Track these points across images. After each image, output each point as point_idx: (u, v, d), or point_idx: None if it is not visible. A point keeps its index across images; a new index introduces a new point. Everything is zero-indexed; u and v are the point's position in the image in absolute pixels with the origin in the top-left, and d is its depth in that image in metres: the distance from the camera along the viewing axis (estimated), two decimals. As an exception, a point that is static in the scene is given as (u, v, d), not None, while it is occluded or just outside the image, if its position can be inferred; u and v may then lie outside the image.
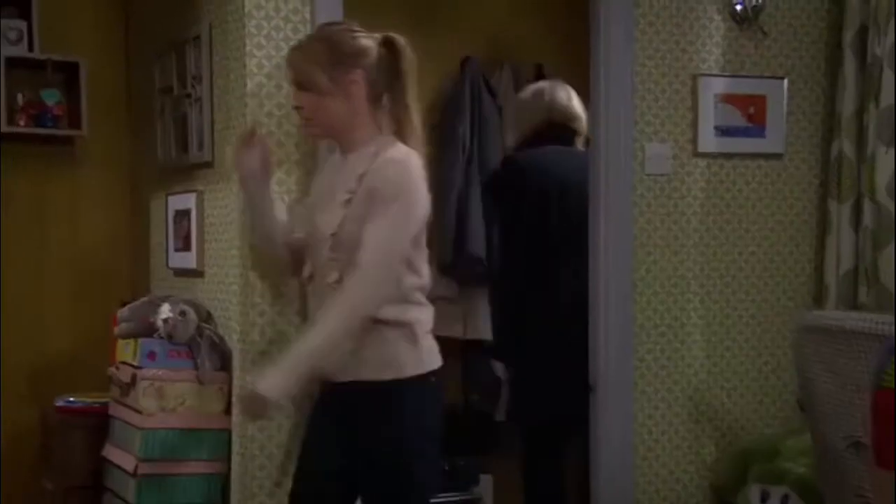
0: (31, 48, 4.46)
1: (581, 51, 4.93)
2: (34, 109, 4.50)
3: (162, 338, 3.68)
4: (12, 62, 4.41)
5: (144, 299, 3.90)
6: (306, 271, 3.01)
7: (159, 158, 4.40)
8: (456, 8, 5.17)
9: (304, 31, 3.48)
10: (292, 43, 3.25)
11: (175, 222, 4.20)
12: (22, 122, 4.47)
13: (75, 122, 4.58)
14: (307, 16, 3.49)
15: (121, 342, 3.91)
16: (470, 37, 5.14)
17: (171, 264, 4.30)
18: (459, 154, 4.99)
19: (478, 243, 4.92)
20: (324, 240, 2.85)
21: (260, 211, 3.12)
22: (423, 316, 2.88)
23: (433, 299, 4.95)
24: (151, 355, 3.67)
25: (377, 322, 2.77)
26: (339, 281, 2.79)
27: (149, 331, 3.75)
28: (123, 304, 4.76)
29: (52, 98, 4.50)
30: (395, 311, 2.80)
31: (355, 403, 2.85)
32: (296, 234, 3.06)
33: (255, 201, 3.12)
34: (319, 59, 2.84)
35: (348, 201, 2.80)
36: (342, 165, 2.93)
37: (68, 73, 4.59)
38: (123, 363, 3.83)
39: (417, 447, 2.81)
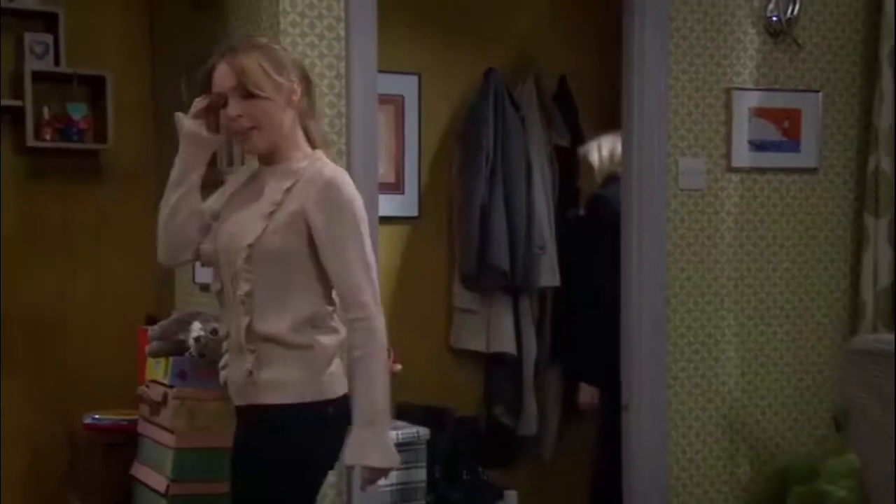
0: (56, 62, 4.43)
1: (604, 62, 4.95)
2: (60, 123, 4.47)
3: (193, 356, 3.64)
4: (38, 76, 4.38)
5: (174, 317, 3.87)
6: (215, 286, 2.88)
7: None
8: (479, 19, 5.13)
9: (339, 45, 3.44)
10: (323, 60, 3.20)
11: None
12: (48, 136, 4.44)
13: (101, 136, 4.54)
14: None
15: (150, 360, 3.87)
16: (493, 48, 5.09)
17: (197, 279, 4.26)
18: (483, 164, 4.94)
19: (501, 254, 4.87)
20: (238, 251, 2.68)
21: (191, 182, 2.84)
22: (330, 341, 2.69)
23: (459, 311, 5.01)
24: (182, 374, 3.63)
25: (278, 344, 2.64)
26: (250, 294, 2.65)
27: (179, 349, 3.71)
28: (149, 320, 4.76)
29: (78, 112, 4.47)
30: (300, 336, 2.64)
31: (248, 428, 2.70)
32: (203, 246, 2.87)
33: (192, 167, 2.83)
34: (264, 64, 2.66)
35: (271, 213, 2.65)
36: (259, 176, 2.76)
37: (94, 87, 4.56)
38: (153, 382, 3.80)
39: (289, 471, 2.62)
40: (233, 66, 2.68)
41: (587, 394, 4.44)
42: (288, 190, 2.66)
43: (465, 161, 4.93)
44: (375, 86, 3.57)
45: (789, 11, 4.07)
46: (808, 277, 4.17)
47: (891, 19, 4.03)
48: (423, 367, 4.51)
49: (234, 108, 2.67)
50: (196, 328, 3.69)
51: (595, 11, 4.91)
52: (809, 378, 4.15)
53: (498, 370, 5.02)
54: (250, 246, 2.64)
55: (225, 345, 2.80)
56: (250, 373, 2.63)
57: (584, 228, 4.67)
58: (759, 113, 4.05)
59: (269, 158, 2.73)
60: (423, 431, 4.32)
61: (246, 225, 2.69)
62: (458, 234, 4.95)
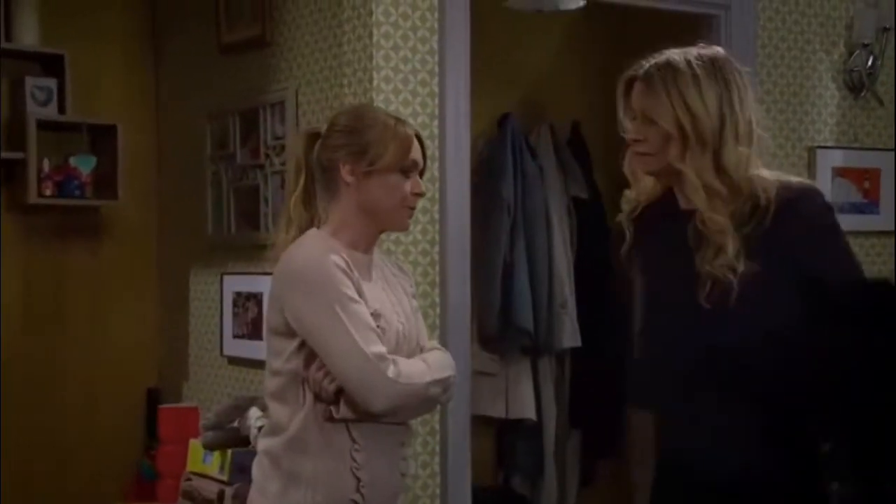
0: (61, 109, 3.95)
1: (616, 112, 4.68)
2: (60, 176, 3.98)
3: (254, 448, 3.20)
4: (42, 125, 3.89)
5: (230, 402, 3.41)
6: None
7: (209, 234, 3.93)
8: (490, 64, 4.82)
9: (432, 102, 3.09)
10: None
11: (236, 306, 3.75)
12: (48, 192, 3.95)
13: (104, 191, 4.07)
14: (435, 88, 3.11)
15: (194, 448, 3.43)
16: (506, 94, 4.79)
17: (226, 352, 3.84)
18: (504, 217, 4.60)
19: (525, 314, 4.55)
20: (413, 351, 2.42)
21: None
22: None
23: (476, 374, 4.66)
24: (243, 469, 3.19)
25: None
26: None
27: (236, 440, 3.28)
28: (149, 393, 4.29)
29: (87, 165, 3.99)
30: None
31: None
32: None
33: None
34: None
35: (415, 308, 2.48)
36: (374, 264, 2.43)
37: (95, 137, 4.09)
38: (201, 475, 3.35)
39: None
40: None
41: None
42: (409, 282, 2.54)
43: (483, 215, 4.60)
44: (468, 147, 3.22)
45: (869, 64, 3.87)
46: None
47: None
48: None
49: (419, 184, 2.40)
50: (255, 415, 3.26)
51: (605, 53, 4.66)
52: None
53: (516, 438, 4.69)
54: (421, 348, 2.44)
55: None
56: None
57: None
58: (842, 173, 3.83)
59: (368, 244, 2.42)
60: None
61: (410, 324, 2.44)
62: (476, 292, 4.60)
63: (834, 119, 3.86)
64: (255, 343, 3.62)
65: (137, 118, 4.25)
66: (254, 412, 3.29)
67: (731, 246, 2.18)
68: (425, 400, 2.34)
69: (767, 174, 2.25)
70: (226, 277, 3.82)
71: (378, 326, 2.28)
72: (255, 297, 3.63)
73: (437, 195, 3.14)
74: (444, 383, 2.36)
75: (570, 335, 4.48)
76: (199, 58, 4.00)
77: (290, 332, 2.28)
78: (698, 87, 2.20)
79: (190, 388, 4.11)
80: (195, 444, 3.49)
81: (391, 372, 2.24)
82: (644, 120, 2.26)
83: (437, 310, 3.15)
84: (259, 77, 3.64)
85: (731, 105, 2.21)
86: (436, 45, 3.14)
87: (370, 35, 3.09)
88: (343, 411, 2.27)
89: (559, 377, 4.63)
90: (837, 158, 3.84)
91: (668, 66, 2.22)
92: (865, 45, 3.87)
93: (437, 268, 3.14)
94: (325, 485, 2.27)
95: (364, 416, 2.27)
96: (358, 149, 2.31)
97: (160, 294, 4.31)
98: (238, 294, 3.74)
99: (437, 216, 3.13)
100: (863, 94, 3.89)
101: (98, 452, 4.18)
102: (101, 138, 4.08)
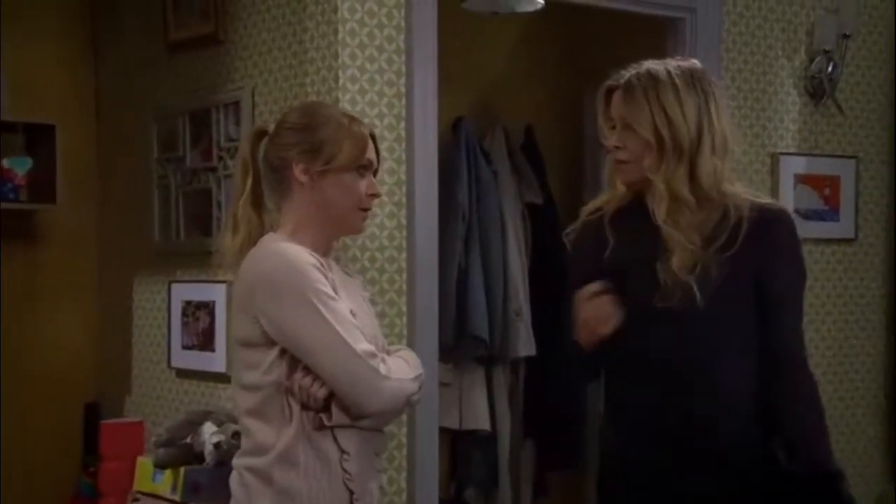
0: (-5, 109, 3.75)
1: (571, 113, 4.63)
2: (-9, 179, 3.78)
3: (210, 466, 3.06)
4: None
5: (182, 418, 3.25)
6: None
7: (156, 240, 3.76)
8: (443, 66, 4.71)
9: (399, 103, 2.98)
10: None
11: (185, 315, 3.58)
12: (-20, 195, 3.74)
13: (41, 194, 3.87)
14: (402, 89, 3.00)
15: (142, 465, 3.26)
16: (458, 97, 4.68)
17: (174, 363, 3.66)
18: (459, 223, 4.51)
19: (481, 322, 4.45)
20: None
21: None
22: None
23: None
24: (197, 487, 3.05)
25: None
26: None
27: (189, 457, 3.12)
28: (87, 408, 4.08)
29: (22, 167, 3.79)
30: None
31: None
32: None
33: None
34: None
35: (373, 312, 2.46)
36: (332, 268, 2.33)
37: (31, 137, 3.88)
38: (151, 495, 3.18)
39: None
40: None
41: None
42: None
43: (438, 220, 4.49)
44: (436, 149, 3.11)
45: (830, 70, 3.84)
46: (843, 353, 3.94)
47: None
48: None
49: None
50: (209, 430, 3.12)
51: (561, 56, 4.60)
52: (840, 453, 3.90)
53: (470, 449, 4.58)
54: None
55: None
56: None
57: None
58: (803, 180, 3.80)
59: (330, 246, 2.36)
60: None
61: (375, 328, 2.38)
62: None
63: (796, 125, 3.83)
64: (207, 354, 3.46)
65: (77, 118, 4.05)
66: (208, 427, 3.15)
67: (689, 258, 2.17)
68: (410, 397, 2.25)
69: (741, 190, 2.28)
70: (174, 285, 3.65)
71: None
72: (207, 306, 3.47)
73: (404, 199, 3.02)
74: (420, 379, 2.28)
75: (525, 344, 4.39)
76: (144, 56, 3.82)
77: (267, 342, 2.15)
78: (678, 97, 2.21)
79: (133, 402, 3.92)
80: (144, 462, 3.31)
81: (383, 369, 2.15)
82: (624, 128, 2.26)
83: (405, 319, 3.02)
84: (211, 76, 3.48)
85: (709, 116, 2.23)
86: (403, 44, 3.02)
87: (335, 32, 2.96)
88: (336, 417, 2.16)
89: (513, 386, 4.54)
90: (800, 165, 3.81)
91: (649, 75, 2.24)
92: (826, 52, 3.84)
93: (405, 275, 3.01)
94: (320, 500, 2.14)
95: (357, 419, 2.17)
96: (311, 147, 2.21)
97: (101, 303, 4.11)
98: (188, 303, 3.57)
99: (404, 221, 3.01)
100: (823, 100, 3.86)
101: (33, 470, 3.97)
102: (38, 139, 3.87)
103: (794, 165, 3.79)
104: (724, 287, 2.17)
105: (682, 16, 3.54)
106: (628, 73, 2.26)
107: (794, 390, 2.24)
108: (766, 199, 2.31)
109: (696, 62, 2.30)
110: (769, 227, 2.22)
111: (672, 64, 2.26)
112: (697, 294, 2.16)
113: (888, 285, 4.02)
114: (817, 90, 3.86)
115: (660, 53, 2.54)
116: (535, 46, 4.59)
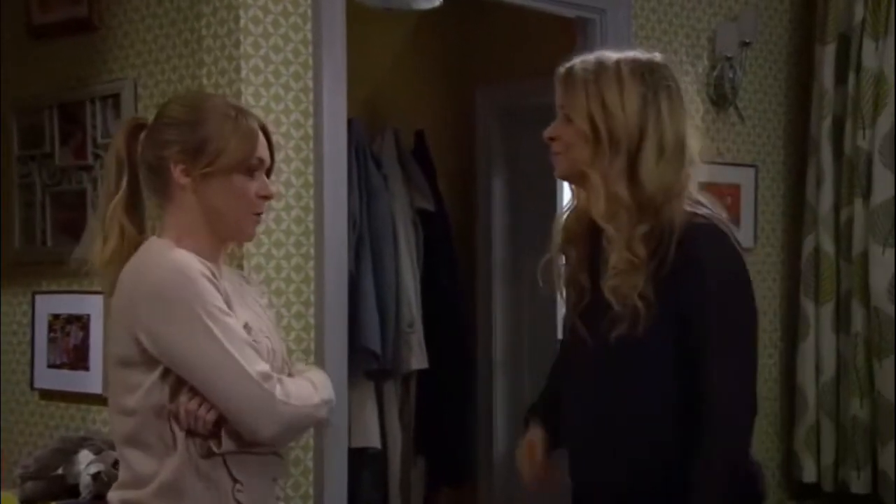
0: None
1: (464, 117, 4.47)
2: None
3: (86, 500, 2.74)
4: None
5: (52, 445, 2.91)
6: None
7: (16, 246, 3.40)
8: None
9: (306, 98, 2.73)
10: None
11: (52, 330, 3.23)
12: None
13: None
14: (309, 83, 2.74)
15: (6, 501, 2.90)
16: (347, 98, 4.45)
17: (38, 384, 3.30)
18: (350, 231, 4.29)
19: (373, 335, 4.23)
20: (281, 369, 2.09)
21: None
22: None
23: None
24: (74, 525, 2.72)
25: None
26: None
27: (60, 490, 2.79)
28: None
29: None
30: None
31: None
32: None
33: None
34: None
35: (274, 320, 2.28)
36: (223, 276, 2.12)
37: None
38: (17, 534, 2.83)
39: None
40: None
41: None
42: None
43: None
44: (346, 149, 2.87)
45: (731, 77, 3.77)
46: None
47: (826, 98, 3.83)
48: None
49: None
50: (86, 460, 2.80)
51: (457, 56, 4.47)
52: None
53: (360, 467, 4.34)
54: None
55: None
56: None
57: None
58: (706, 188, 3.68)
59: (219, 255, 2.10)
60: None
61: (275, 336, 2.14)
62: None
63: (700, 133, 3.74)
64: (80, 374, 3.13)
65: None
66: (84, 456, 2.83)
67: (628, 268, 2.00)
68: (315, 423, 2.05)
69: (688, 203, 2.11)
70: (38, 297, 3.29)
71: (253, 341, 1.95)
72: (80, 320, 3.14)
73: (311, 203, 2.76)
74: (330, 404, 2.06)
75: (417, 357, 4.20)
76: (2, 42, 3.45)
77: (148, 362, 1.90)
78: (620, 86, 2.02)
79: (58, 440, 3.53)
80: (8, 497, 2.95)
81: (279, 393, 1.91)
82: (562, 118, 2.08)
83: (312, 333, 2.77)
84: (85, 66, 3.15)
85: (657, 112, 2.05)
86: (310, 35, 2.77)
87: (236, 18, 2.69)
88: (226, 444, 1.91)
89: (404, 401, 4.33)
90: (703, 173, 3.70)
91: (595, 62, 2.06)
92: (728, 59, 3.77)
93: (313, 285, 2.76)
94: None
95: (250, 446, 1.93)
96: (192, 145, 1.96)
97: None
98: (55, 316, 3.23)
99: (311, 227, 2.76)
100: (726, 108, 3.79)
101: None
102: None
103: (699, 173, 3.68)
104: (652, 321, 1.97)
105: (592, 16, 3.40)
106: (577, 59, 2.09)
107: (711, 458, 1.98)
108: (703, 212, 2.12)
109: (658, 55, 2.11)
110: (696, 251, 2.00)
111: (629, 54, 2.07)
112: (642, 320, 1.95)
113: (784, 294, 3.98)
114: (720, 98, 3.79)
115: (567, 54, 2.34)
116: (428, 46, 4.41)
